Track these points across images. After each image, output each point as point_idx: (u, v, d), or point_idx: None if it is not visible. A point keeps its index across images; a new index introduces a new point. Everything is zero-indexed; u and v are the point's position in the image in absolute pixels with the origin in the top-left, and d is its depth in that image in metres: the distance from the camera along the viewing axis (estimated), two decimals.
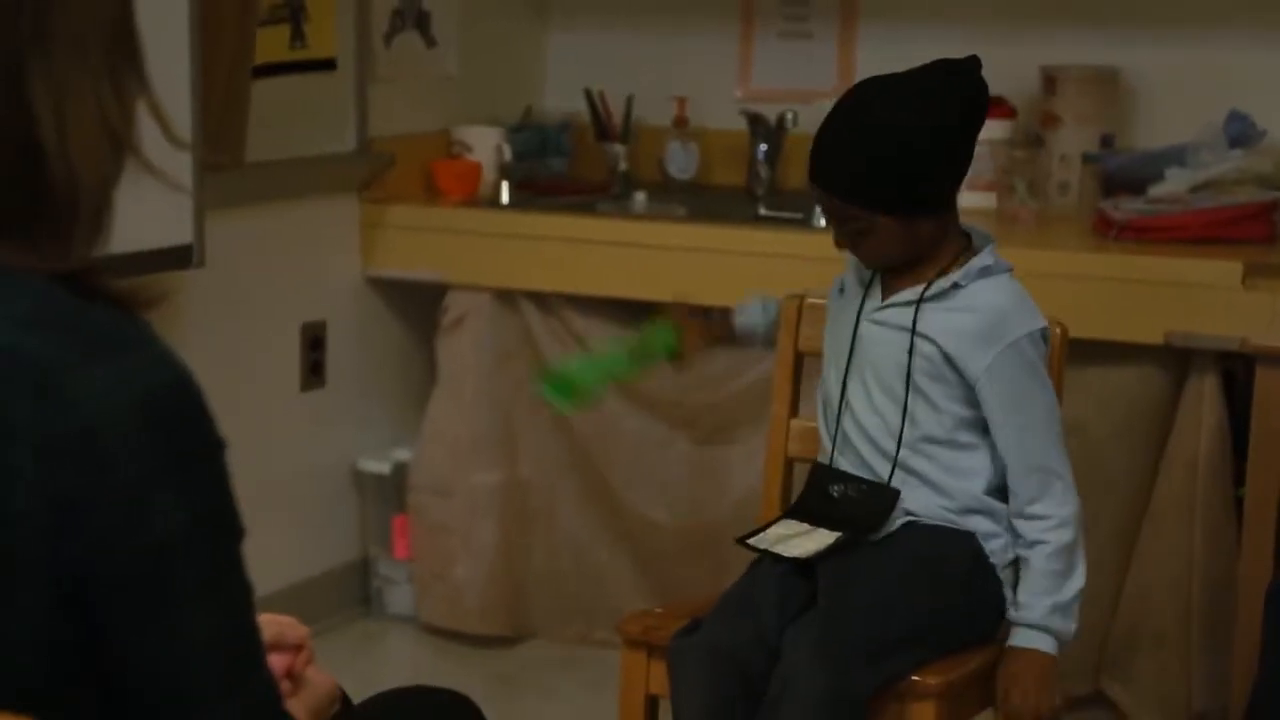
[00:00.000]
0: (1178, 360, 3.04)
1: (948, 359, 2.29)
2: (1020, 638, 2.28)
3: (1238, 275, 2.94)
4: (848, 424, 2.36)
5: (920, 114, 2.24)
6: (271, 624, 1.52)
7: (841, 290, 2.44)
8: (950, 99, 2.26)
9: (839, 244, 2.33)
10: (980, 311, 2.29)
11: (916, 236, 2.29)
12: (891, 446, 2.31)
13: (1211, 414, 3.01)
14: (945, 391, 2.30)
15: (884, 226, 2.26)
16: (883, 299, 2.35)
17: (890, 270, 2.35)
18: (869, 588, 2.24)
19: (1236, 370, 3.05)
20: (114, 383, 1.13)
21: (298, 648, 1.67)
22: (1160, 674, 3.08)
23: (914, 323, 2.30)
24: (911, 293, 2.32)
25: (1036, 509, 2.28)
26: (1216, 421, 3.01)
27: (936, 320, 2.30)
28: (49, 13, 1.18)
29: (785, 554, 2.30)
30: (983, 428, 2.31)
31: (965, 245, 2.34)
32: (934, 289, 2.30)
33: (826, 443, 2.40)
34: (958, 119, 2.27)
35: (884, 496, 2.31)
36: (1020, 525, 2.30)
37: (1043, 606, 2.27)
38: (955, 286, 2.30)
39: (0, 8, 1.17)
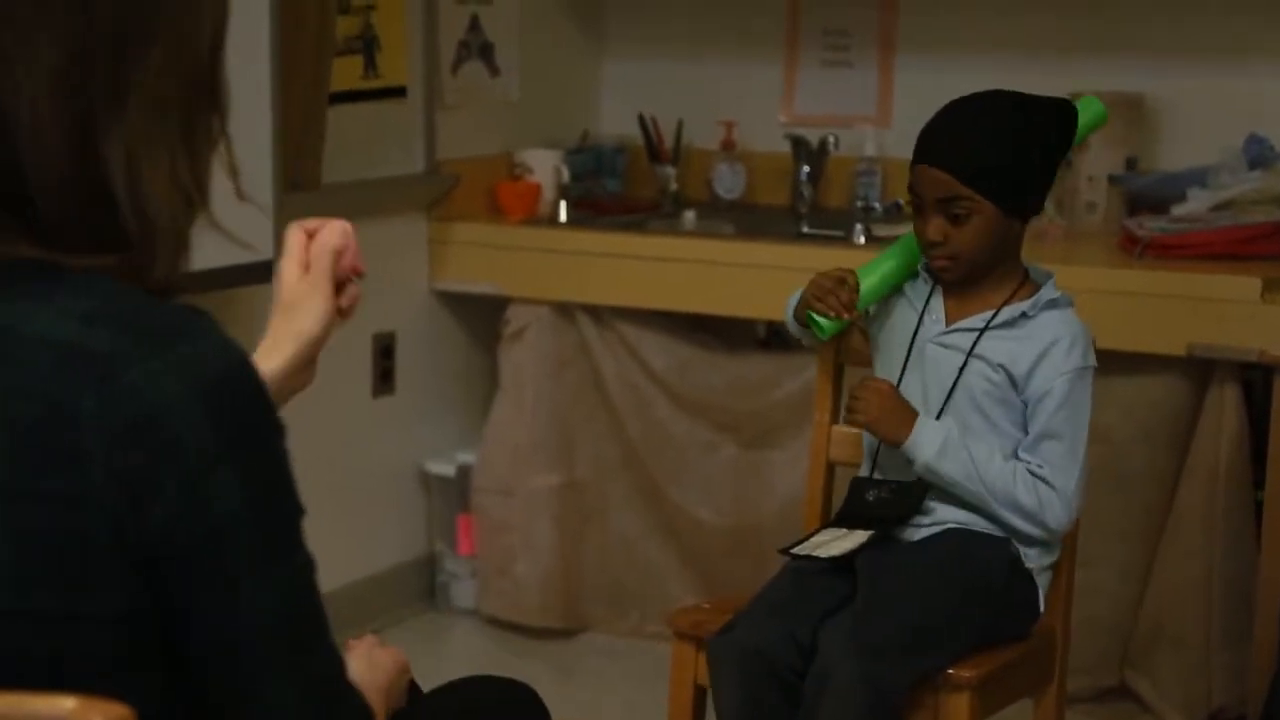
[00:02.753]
0: (1199, 371, 3.01)
1: (1012, 381, 2.28)
2: (931, 422, 2.26)
3: (1257, 290, 2.91)
4: None
5: (1039, 128, 2.29)
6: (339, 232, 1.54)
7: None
8: (1060, 128, 2.32)
9: (929, 239, 2.28)
10: (1045, 340, 2.28)
11: (1002, 239, 2.29)
12: None
13: (1232, 422, 2.98)
14: (1008, 415, 2.29)
15: (986, 215, 2.26)
16: (947, 323, 2.33)
17: (952, 292, 2.34)
18: (905, 583, 2.22)
19: (1256, 380, 3.02)
20: (174, 371, 1.13)
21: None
22: (1182, 669, 3.04)
23: (972, 347, 2.29)
24: (979, 319, 2.31)
25: (1038, 471, 2.26)
26: (1236, 429, 2.98)
27: (1002, 347, 2.29)
28: (127, 74, 1.16)
29: (822, 555, 2.29)
30: None
31: (1024, 278, 2.34)
32: (1002, 316, 2.30)
33: (870, 450, 2.39)
34: (1061, 147, 2.33)
35: (913, 491, 2.30)
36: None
37: (955, 450, 2.24)
38: (1024, 316, 2.29)
39: (73, 69, 1.14)
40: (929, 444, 2.26)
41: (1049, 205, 3.32)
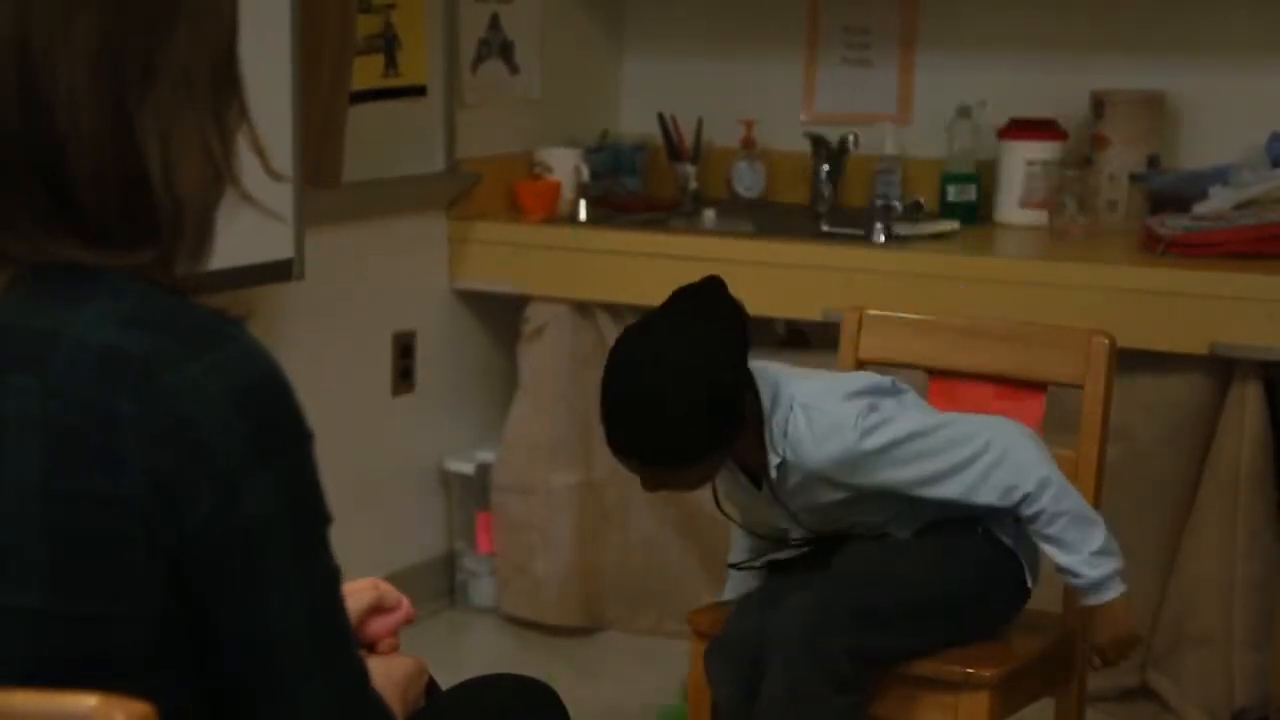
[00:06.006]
0: (1221, 369, 3.00)
1: (831, 480, 2.21)
2: (1089, 599, 2.20)
3: (1279, 288, 2.90)
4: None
5: (697, 370, 2.15)
6: (370, 590, 1.55)
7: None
8: (716, 338, 2.19)
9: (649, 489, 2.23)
10: (823, 461, 2.18)
11: (728, 454, 2.21)
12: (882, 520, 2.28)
13: (1254, 421, 2.97)
14: (875, 497, 2.23)
15: (688, 471, 2.20)
16: (757, 486, 2.27)
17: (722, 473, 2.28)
18: (868, 561, 2.22)
19: (1278, 379, 3.01)
20: (208, 376, 1.15)
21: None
22: (1204, 670, 3.03)
23: (781, 501, 2.24)
24: (764, 486, 2.25)
25: (1014, 496, 2.17)
26: (1258, 428, 2.97)
27: (806, 481, 2.22)
28: (156, 53, 1.18)
29: (780, 556, 2.32)
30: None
31: (758, 411, 2.19)
32: (775, 477, 2.21)
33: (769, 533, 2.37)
34: (729, 357, 2.18)
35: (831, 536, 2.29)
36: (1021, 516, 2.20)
37: (1083, 563, 2.17)
38: (784, 464, 2.20)
39: (108, 51, 1.17)
40: (1100, 580, 2.19)
41: (1070, 204, 3.32)
